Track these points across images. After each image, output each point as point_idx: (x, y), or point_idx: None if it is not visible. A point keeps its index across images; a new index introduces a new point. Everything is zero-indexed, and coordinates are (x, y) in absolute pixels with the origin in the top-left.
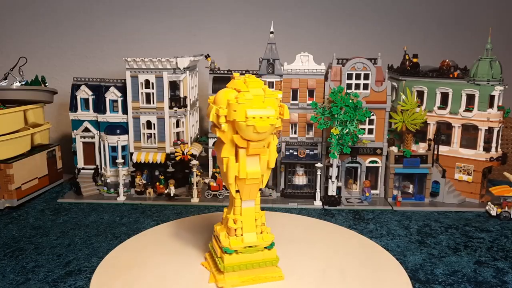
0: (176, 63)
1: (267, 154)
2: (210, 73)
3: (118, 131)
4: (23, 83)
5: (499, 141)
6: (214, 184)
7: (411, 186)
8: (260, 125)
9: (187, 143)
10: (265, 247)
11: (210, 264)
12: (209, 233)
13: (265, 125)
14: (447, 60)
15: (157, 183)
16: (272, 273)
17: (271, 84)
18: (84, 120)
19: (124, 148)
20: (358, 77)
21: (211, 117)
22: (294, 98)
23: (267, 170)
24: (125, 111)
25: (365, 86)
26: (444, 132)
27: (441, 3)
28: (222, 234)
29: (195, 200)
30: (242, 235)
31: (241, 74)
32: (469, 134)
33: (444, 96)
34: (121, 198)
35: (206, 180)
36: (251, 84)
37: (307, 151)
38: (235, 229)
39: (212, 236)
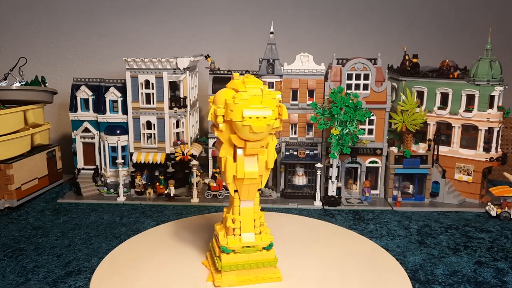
0: (176, 63)
1: (265, 154)
2: (210, 73)
3: (118, 131)
4: (23, 83)
5: (499, 142)
6: (214, 185)
7: (411, 186)
8: (256, 125)
9: (187, 144)
10: (264, 248)
11: (210, 263)
12: (209, 233)
13: (261, 125)
14: (447, 60)
15: (157, 184)
16: (270, 274)
17: (271, 85)
18: (84, 121)
19: (124, 148)
20: (358, 77)
21: (210, 117)
22: (294, 98)
23: (266, 170)
24: (125, 111)
25: (365, 87)
26: (444, 132)
27: (441, 3)
28: (221, 233)
29: (195, 200)
30: (240, 235)
31: (241, 74)
32: (469, 134)
33: (444, 96)
34: (121, 199)
35: (206, 181)
36: (249, 84)
37: (307, 151)
38: (234, 229)
39: (213, 235)
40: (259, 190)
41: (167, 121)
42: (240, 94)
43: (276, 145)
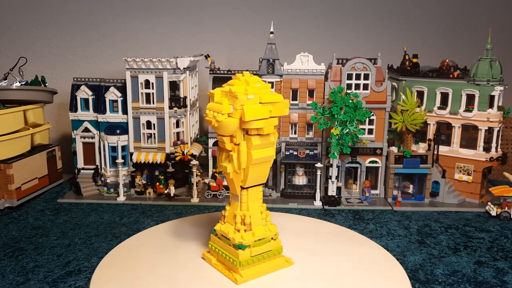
0: (176, 63)
1: (236, 152)
2: (210, 73)
3: (118, 131)
4: (23, 83)
5: (499, 141)
6: (214, 184)
7: (411, 186)
8: (208, 119)
9: (187, 143)
10: (234, 245)
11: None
12: (209, 232)
13: (211, 119)
14: (447, 60)
15: (157, 183)
16: (236, 275)
17: (271, 84)
18: (84, 120)
19: (124, 148)
20: (358, 77)
21: None
22: (294, 98)
23: (245, 169)
24: (125, 111)
25: (365, 86)
26: (444, 132)
27: (441, 3)
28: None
29: (195, 200)
30: (225, 222)
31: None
32: (469, 134)
33: (444, 96)
34: (121, 198)
35: (206, 180)
36: (231, 82)
37: (307, 151)
38: (224, 216)
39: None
40: (243, 188)
41: (167, 121)
42: (217, 88)
43: (277, 145)
